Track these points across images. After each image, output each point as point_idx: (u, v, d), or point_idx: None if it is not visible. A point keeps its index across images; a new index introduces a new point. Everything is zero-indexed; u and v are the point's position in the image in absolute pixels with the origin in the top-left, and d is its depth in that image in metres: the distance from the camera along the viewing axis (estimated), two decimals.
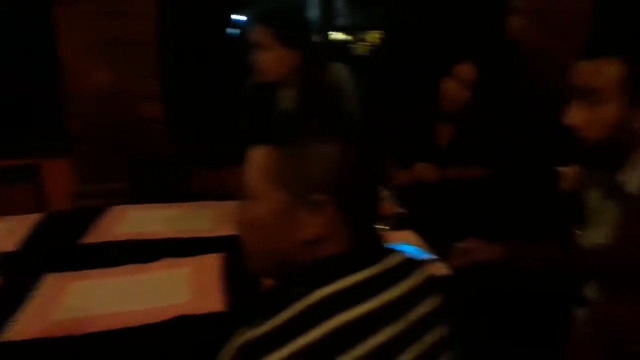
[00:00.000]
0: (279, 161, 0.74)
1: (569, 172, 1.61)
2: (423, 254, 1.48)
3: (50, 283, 1.37)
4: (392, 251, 0.81)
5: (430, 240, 1.60)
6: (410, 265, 0.81)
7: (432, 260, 1.47)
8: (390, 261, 0.77)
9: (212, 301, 1.30)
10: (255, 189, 0.76)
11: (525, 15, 3.09)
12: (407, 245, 1.53)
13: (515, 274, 1.38)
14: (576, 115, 1.13)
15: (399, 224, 1.67)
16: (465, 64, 2.03)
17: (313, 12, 3.84)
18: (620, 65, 1.08)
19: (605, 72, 1.09)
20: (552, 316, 1.32)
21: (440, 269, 1.44)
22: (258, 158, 0.77)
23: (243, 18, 3.27)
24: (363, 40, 4.31)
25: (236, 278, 1.38)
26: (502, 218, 1.71)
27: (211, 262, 1.48)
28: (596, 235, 1.20)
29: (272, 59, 1.72)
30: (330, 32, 4.10)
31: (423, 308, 0.76)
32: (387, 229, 1.64)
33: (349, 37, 4.25)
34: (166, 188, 2.43)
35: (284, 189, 0.74)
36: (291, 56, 1.73)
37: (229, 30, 3.39)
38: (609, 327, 1.18)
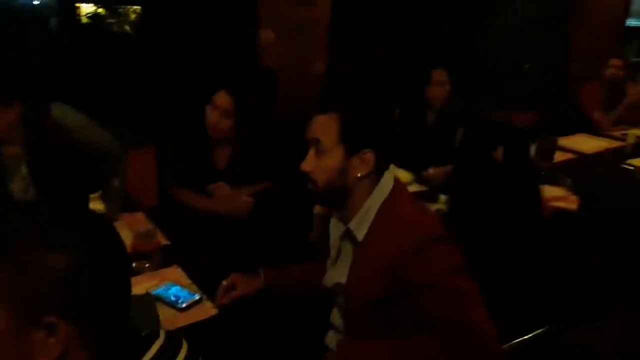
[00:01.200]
0: None
1: None
2: (189, 296, 1.48)
3: None
4: (148, 341, 0.74)
5: (198, 275, 1.60)
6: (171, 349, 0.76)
7: (198, 301, 1.48)
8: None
9: None
10: None
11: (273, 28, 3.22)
12: (173, 285, 1.52)
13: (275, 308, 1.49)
14: (307, 163, 1.28)
15: (163, 260, 1.65)
16: (221, 93, 2.05)
17: None
18: (339, 120, 1.25)
19: (327, 126, 1.25)
20: (310, 346, 1.47)
21: (207, 310, 1.46)
22: None
23: None
24: (120, 14, 3.97)
25: None
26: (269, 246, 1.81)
27: None
28: (338, 274, 1.36)
29: None
30: (78, 4, 3.68)
31: None
32: (149, 268, 1.61)
33: (101, 10, 3.86)
34: None
35: (6, 309, 0.62)
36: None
37: None
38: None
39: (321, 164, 1.26)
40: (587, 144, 3.54)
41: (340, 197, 1.30)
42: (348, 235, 1.32)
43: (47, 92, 1.86)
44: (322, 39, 3.39)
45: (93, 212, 0.77)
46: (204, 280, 1.56)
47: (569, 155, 3.28)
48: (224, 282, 1.49)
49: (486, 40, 4.67)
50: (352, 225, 1.30)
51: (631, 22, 5.38)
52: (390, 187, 1.30)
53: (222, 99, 2.05)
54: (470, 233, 1.62)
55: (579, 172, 2.94)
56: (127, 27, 4.06)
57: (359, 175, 1.27)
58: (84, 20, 3.64)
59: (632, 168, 3.18)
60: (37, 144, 1.66)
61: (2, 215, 0.70)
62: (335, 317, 1.43)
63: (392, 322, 1.24)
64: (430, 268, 1.18)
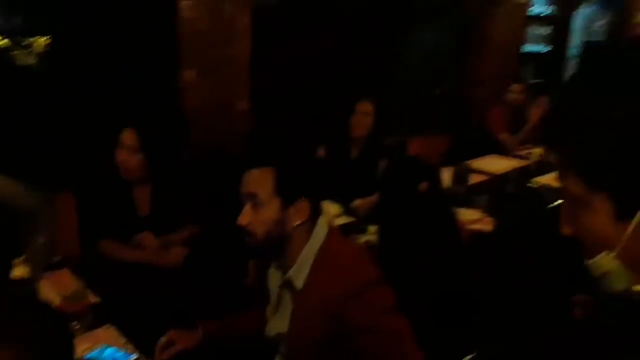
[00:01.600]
0: None
1: None
2: (125, 357, 1.45)
3: None
4: None
5: (133, 332, 1.57)
6: None
7: None
8: None
9: None
10: None
11: (195, 68, 3.24)
12: (107, 347, 1.48)
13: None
14: (245, 217, 1.31)
15: (94, 319, 1.60)
16: (126, 130, 2.04)
17: None
18: (272, 174, 1.30)
19: (262, 180, 1.30)
20: None
21: None
22: None
23: None
24: (25, 46, 3.79)
25: None
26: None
27: None
28: (279, 323, 1.39)
29: None
30: None
31: None
32: (80, 329, 1.56)
33: (4, 42, 3.67)
34: None
35: None
36: None
37: None
38: None
39: (259, 216, 1.30)
40: (496, 164, 3.81)
41: (278, 247, 1.33)
42: (287, 284, 1.35)
43: None
44: (244, 77, 3.44)
45: (38, 302, 0.77)
46: (140, 338, 1.53)
47: (482, 177, 3.51)
48: (162, 339, 1.47)
49: (398, 70, 4.91)
50: (291, 274, 1.33)
51: (527, 48, 5.90)
52: (325, 232, 1.35)
53: (127, 136, 2.03)
54: (400, 265, 1.71)
55: (492, 192, 3.16)
56: (32, 60, 3.87)
57: (295, 224, 1.31)
58: None
59: (537, 186, 3.47)
60: None
61: None
62: None
63: None
64: (366, 311, 1.23)
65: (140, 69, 3.19)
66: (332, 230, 1.39)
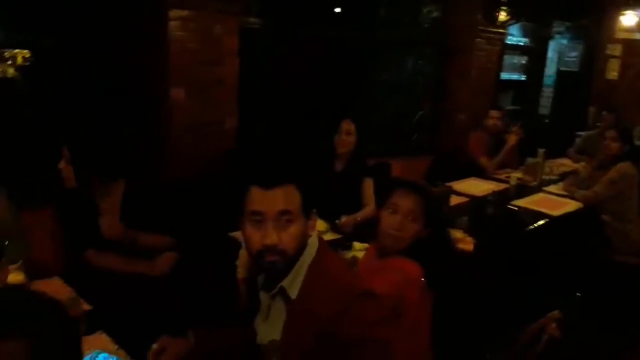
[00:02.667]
0: None
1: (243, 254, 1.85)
2: None
3: None
4: None
5: (124, 339, 1.58)
6: None
7: None
8: None
9: None
10: None
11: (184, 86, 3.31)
12: (100, 353, 1.49)
13: None
14: (274, 236, 1.28)
15: (86, 326, 1.61)
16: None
17: None
18: (298, 189, 1.32)
19: (292, 196, 1.30)
20: None
21: None
22: None
23: None
24: (6, 59, 3.79)
25: None
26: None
27: None
28: (271, 331, 1.40)
29: None
30: None
31: None
32: None
33: None
34: None
35: None
36: None
37: None
38: None
39: (291, 233, 1.29)
40: (477, 187, 3.92)
41: (295, 261, 1.34)
42: (281, 293, 1.37)
43: None
44: (231, 97, 3.51)
45: (46, 296, 0.79)
46: (131, 345, 1.55)
47: (462, 199, 3.61)
48: (154, 346, 1.47)
49: (380, 94, 5.05)
50: (285, 283, 1.35)
51: (504, 76, 6.12)
52: (317, 245, 1.38)
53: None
54: None
55: (472, 213, 3.25)
56: (11, 71, 3.86)
57: (309, 236, 1.36)
58: None
59: (516, 208, 3.57)
60: None
61: None
62: None
63: None
64: (357, 323, 1.25)
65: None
66: (322, 243, 1.42)
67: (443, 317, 1.88)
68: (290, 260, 1.32)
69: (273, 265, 1.30)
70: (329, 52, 4.26)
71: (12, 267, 1.59)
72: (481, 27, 5.16)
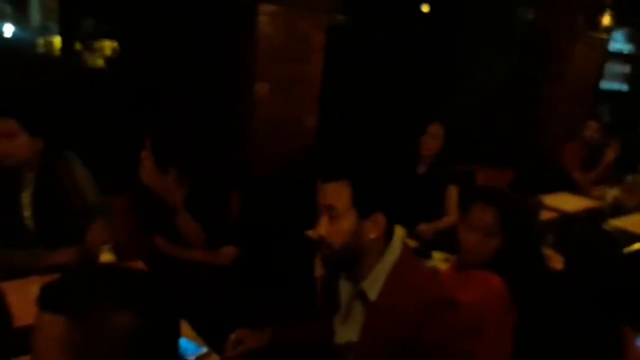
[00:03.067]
0: (70, 332, 0.66)
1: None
2: (196, 349, 1.47)
3: None
4: None
5: (202, 330, 1.58)
6: None
7: (206, 354, 1.47)
8: None
9: None
10: None
11: (269, 83, 3.32)
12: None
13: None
14: (322, 227, 1.32)
15: None
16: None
17: (34, 13, 3.43)
18: (349, 186, 1.29)
19: (339, 192, 1.30)
20: None
21: None
22: (47, 326, 0.67)
23: None
24: (94, 49, 3.99)
25: None
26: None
27: None
28: (349, 332, 1.38)
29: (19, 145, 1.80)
30: (50, 37, 3.72)
31: None
32: None
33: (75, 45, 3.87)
34: None
35: None
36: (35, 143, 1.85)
37: None
38: None
39: (336, 228, 1.30)
40: (568, 202, 3.65)
41: (354, 258, 1.33)
42: (360, 294, 1.35)
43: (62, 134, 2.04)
44: (314, 94, 3.49)
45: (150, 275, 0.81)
46: (206, 333, 1.54)
47: (551, 214, 3.37)
48: (232, 336, 1.49)
49: (465, 98, 4.86)
50: (364, 285, 1.33)
51: (604, 85, 5.69)
52: (400, 250, 1.35)
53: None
54: None
55: (559, 230, 3.02)
56: (100, 62, 4.04)
57: (371, 237, 1.31)
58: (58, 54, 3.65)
59: (612, 228, 3.29)
60: (46, 177, 1.94)
61: (77, 278, 0.76)
62: None
63: None
64: (441, 330, 1.22)
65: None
66: (406, 249, 1.38)
67: (527, 335, 1.76)
68: (339, 256, 1.32)
69: (324, 258, 1.35)
70: (415, 52, 4.15)
71: (104, 247, 1.66)
72: (581, 31, 4.83)
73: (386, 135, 3.67)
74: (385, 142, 3.38)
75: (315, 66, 3.47)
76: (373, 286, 1.32)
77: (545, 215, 3.24)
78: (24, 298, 1.62)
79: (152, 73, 3.31)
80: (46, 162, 1.93)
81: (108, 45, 3.89)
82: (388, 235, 1.35)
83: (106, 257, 1.66)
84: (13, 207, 1.94)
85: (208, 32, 3.28)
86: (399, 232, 2.48)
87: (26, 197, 1.97)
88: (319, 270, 1.78)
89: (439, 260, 2.28)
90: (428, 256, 2.35)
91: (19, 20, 4.00)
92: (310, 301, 1.79)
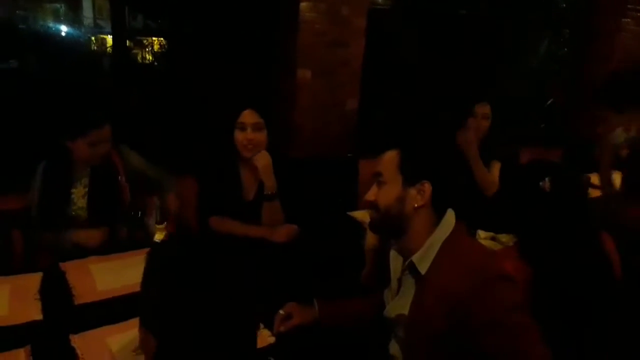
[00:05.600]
0: None
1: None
2: None
3: None
4: None
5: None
6: None
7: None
8: None
9: None
10: None
11: (310, 67, 3.36)
12: None
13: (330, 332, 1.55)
14: (371, 193, 1.40)
15: None
16: (246, 111, 2.15)
17: (86, 12, 3.54)
18: (397, 154, 1.37)
19: (388, 160, 1.38)
20: None
21: (265, 338, 1.50)
22: None
23: None
24: (143, 46, 4.12)
25: None
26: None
27: None
28: (399, 305, 1.40)
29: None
30: (102, 36, 3.87)
31: None
32: None
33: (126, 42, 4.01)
34: None
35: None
36: None
37: None
38: None
39: (382, 193, 1.38)
40: (616, 180, 3.55)
41: (398, 225, 1.37)
42: (410, 268, 1.37)
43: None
44: (355, 78, 3.51)
45: None
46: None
47: (597, 192, 3.30)
48: (281, 312, 1.53)
49: (509, 78, 4.77)
50: (415, 258, 1.35)
51: None
52: (453, 226, 1.36)
53: (248, 116, 2.14)
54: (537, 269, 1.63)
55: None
56: (150, 58, 4.17)
57: (416, 205, 1.34)
58: (109, 51, 3.81)
59: None
60: (102, 170, 2.07)
61: None
62: (394, 348, 1.46)
63: (454, 356, 1.27)
64: (494, 305, 1.21)
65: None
66: (460, 226, 1.38)
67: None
68: (384, 221, 1.39)
69: (371, 223, 1.45)
70: (458, 34, 4.10)
71: (158, 226, 1.73)
72: (630, 6, 4.65)
73: (432, 116, 3.65)
74: (432, 121, 3.37)
75: (357, 50, 3.49)
76: (424, 260, 1.33)
77: (592, 192, 3.18)
78: (83, 277, 1.74)
79: (199, 65, 3.40)
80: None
81: (156, 42, 4.00)
82: (437, 209, 1.36)
83: (160, 235, 1.73)
84: (65, 199, 2.05)
85: (251, 19, 3.34)
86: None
87: (79, 190, 2.08)
88: (370, 243, 1.81)
89: (483, 239, 2.28)
90: (472, 235, 2.35)
91: (73, 19, 4.17)
92: (357, 278, 1.82)
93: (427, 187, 1.34)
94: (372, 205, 1.40)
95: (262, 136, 2.16)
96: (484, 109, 2.88)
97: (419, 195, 1.34)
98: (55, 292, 1.65)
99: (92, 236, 1.98)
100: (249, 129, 2.14)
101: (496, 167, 2.88)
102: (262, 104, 2.23)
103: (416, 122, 3.27)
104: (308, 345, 1.51)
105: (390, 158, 1.38)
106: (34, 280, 1.70)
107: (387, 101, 3.77)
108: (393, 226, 1.39)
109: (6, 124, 3.96)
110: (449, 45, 4.02)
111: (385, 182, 1.37)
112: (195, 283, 1.46)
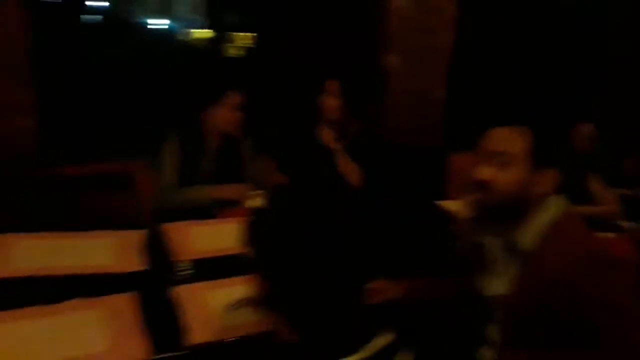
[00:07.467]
0: None
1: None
2: None
3: None
4: None
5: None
6: None
7: None
8: None
9: (133, 349, 1.24)
10: None
11: (399, 54, 3.33)
12: None
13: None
14: (486, 172, 1.27)
15: None
16: (331, 81, 2.28)
17: (177, 8, 3.69)
18: (529, 135, 1.25)
19: (514, 139, 1.26)
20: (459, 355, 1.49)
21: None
22: None
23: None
24: (232, 41, 4.25)
25: (154, 321, 1.34)
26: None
27: (124, 304, 1.41)
28: (498, 285, 1.35)
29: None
30: (194, 30, 4.03)
31: None
32: None
33: (213, 36, 4.16)
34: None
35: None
36: None
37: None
38: None
39: (504, 175, 1.26)
40: None
41: (516, 210, 1.29)
42: (512, 247, 1.32)
43: None
44: (443, 66, 3.44)
45: None
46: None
47: None
48: (370, 286, 1.51)
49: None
50: (518, 237, 1.30)
51: None
52: (561, 206, 1.30)
53: (333, 85, 2.28)
54: None
55: None
56: (234, 51, 4.25)
57: (540, 192, 1.27)
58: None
59: None
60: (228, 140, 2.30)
61: None
62: (491, 331, 1.41)
63: (556, 337, 1.23)
64: (606, 286, 1.16)
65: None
66: (570, 210, 1.31)
67: None
68: (501, 204, 1.27)
69: (482, 203, 1.30)
70: (554, 23, 3.91)
71: (254, 193, 1.80)
72: None
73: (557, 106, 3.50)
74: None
75: (447, 38, 3.42)
76: (525, 238, 1.28)
77: None
78: (183, 237, 1.86)
79: (288, 60, 3.46)
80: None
81: (248, 37, 4.13)
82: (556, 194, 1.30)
83: (255, 202, 1.78)
84: (195, 167, 2.23)
85: (341, 6, 3.36)
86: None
87: (207, 164, 2.25)
88: (464, 224, 1.76)
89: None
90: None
91: (164, 14, 4.39)
92: (446, 260, 1.79)
93: (557, 174, 1.27)
94: (484, 186, 1.27)
95: (337, 103, 2.29)
96: (587, 128, 2.70)
97: (545, 182, 1.26)
98: (157, 248, 1.76)
99: (235, 191, 2.14)
100: (330, 97, 2.28)
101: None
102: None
103: (544, 107, 3.12)
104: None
105: (517, 137, 1.26)
106: (138, 236, 1.82)
107: (478, 95, 3.67)
108: (510, 210, 1.29)
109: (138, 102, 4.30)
110: (543, 35, 3.84)
111: (509, 164, 1.25)
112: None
